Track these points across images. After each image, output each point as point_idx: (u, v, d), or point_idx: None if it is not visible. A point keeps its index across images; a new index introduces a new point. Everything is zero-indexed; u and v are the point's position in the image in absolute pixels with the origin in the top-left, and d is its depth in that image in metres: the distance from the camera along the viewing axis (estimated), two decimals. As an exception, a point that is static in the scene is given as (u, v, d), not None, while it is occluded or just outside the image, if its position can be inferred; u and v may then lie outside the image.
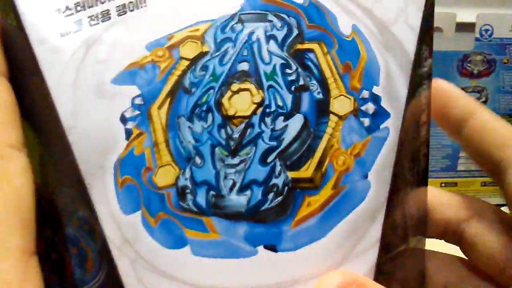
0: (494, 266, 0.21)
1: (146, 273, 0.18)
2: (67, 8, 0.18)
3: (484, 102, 0.60)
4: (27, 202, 0.16)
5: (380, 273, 0.19)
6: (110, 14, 0.18)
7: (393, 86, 0.20)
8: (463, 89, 0.63)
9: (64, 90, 0.18)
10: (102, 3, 0.18)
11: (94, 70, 0.18)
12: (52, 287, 0.18)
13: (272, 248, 0.18)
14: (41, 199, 0.18)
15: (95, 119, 0.18)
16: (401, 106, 0.20)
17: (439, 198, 0.22)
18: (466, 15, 0.56)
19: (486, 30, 0.57)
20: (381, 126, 0.19)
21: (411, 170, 0.20)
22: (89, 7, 0.18)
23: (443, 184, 0.61)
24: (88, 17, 0.18)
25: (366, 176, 0.19)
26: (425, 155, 0.21)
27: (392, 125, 0.19)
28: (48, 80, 0.18)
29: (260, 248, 0.18)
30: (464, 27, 0.56)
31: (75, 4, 0.18)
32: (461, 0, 0.57)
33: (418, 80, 0.20)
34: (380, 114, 0.19)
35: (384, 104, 0.19)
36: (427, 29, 0.20)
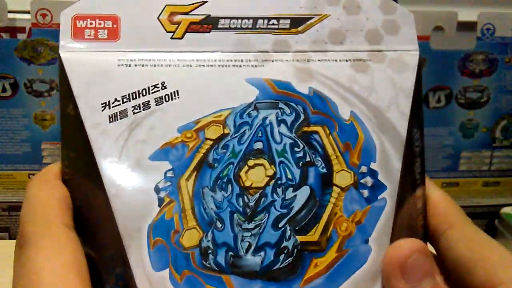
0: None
1: None
2: (116, 100, 0.22)
3: (486, 102, 0.60)
4: (80, 258, 0.20)
5: None
6: (150, 104, 0.23)
7: (388, 162, 0.23)
8: (464, 88, 0.64)
9: (110, 165, 0.22)
10: (144, 95, 0.23)
11: (135, 148, 0.22)
12: None
13: None
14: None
15: (134, 189, 0.22)
16: (396, 180, 0.23)
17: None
18: (467, 14, 0.56)
19: (488, 29, 0.57)
20: (379, 197, 0.23)
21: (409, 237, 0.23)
22: (133, 98, 0.23)
23: (444, 184, 0.61)
24: (132, 107, 0.22)
25: (367, 241, 0.22)
26: (423, 226, 0.23)
27: (389, 196, 0.23)
28: (97, 157, 0.22)
29: None
30: (466, 26, 0.56)
31: (122, 96, 0.22)
32: (462, -1, 0.57)
33: (411, 158, 0.23)
34: (378, 187, 0.23)
35: (381, 178, 0.23)
36: (417, 114, 0.24)
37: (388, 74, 0.24)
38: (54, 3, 0.53)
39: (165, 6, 0.24)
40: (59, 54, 0.22)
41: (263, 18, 0.24)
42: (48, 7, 0.54)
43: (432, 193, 0.24)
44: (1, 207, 0.61)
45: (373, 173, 0.23)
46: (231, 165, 0.22)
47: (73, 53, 0.23)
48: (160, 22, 0.23)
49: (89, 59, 0.23)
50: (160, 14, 0.23)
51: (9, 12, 0.54)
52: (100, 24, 0.23)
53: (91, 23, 0.23)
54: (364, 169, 0.23)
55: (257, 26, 0.24)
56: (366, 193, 0.22)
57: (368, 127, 0.23)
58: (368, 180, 0.23)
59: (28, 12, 0.54)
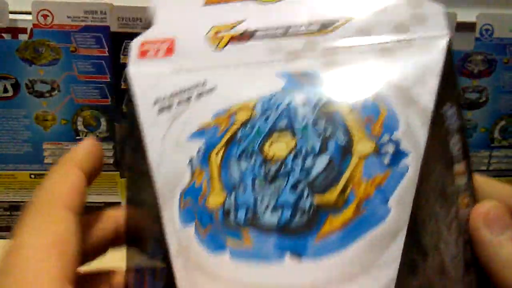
0: None
1: (195, 272, 0.23)
2: (165, 96, 0.28)
3: (485, 102, 0.61)
4: (69, 239, 0.23)
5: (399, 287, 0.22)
6: (191, 99, 0.27)
7: (412, 133, 0.23)
8: (463, 89, 0.64)
9: (156, 147, 0.26)
10: (187, 92, 0.27)
11: (176, 132, 0.26)
12: None
13: (298, 256, 0.22)
14: (131, 232, 0.27)
15: (172, 162, 0.26)
16: (421, 148, 0.23)
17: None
18: (466, 15, 0.57)
19: (487, 30, 0.57)
20: (401, 163, 0.23)
21: (443, 207, 0.23)
22: (179, 95, 0.28)
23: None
24: (177, 101, 0.27)
25: (386, 202, 0.22)
26: (468, 205, 0.24)
27: (412, 163, 0.23)
28: (146, 140, 0.27)
29: (287, 255, 0.22)
30: (465, 27, 0.57)
31: (170, 93, 0.28)
32: None
33: (443, 133, 0.24)
34: (400, 154, 0.23)
35: (403, 146, 0.23)
36: (448, 91, 0.24)
37: (414, 56, 0.25)
38: (55, 4, 0.54)
39: (212, 27, 0.29)
40: (127, 69, 0.29)
41: (295, 26, 0.28)
42: (49, 8, 0.54)
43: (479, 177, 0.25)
44: (2, 207, 0.61)
45: (395, 142, 0.23)
46: (256, 140, 0.25)
47: (137, 67, 0.29)
48: (207, 38, 0.29)
49: (149, 70, 0.29)
50: (207, 33, 0.29)
51: (11, 13, 0.54)
52: (160, 45, 0.30)
53: (153, 45, 0.30)
54: (386, 137, 0.23)
55: (288, 33, 0.28)
56: (387, 159, 0.23)
57: (391, 102, 0.24)
58: (390, 148, 0.23)
59: (29, 13, 0.54)
